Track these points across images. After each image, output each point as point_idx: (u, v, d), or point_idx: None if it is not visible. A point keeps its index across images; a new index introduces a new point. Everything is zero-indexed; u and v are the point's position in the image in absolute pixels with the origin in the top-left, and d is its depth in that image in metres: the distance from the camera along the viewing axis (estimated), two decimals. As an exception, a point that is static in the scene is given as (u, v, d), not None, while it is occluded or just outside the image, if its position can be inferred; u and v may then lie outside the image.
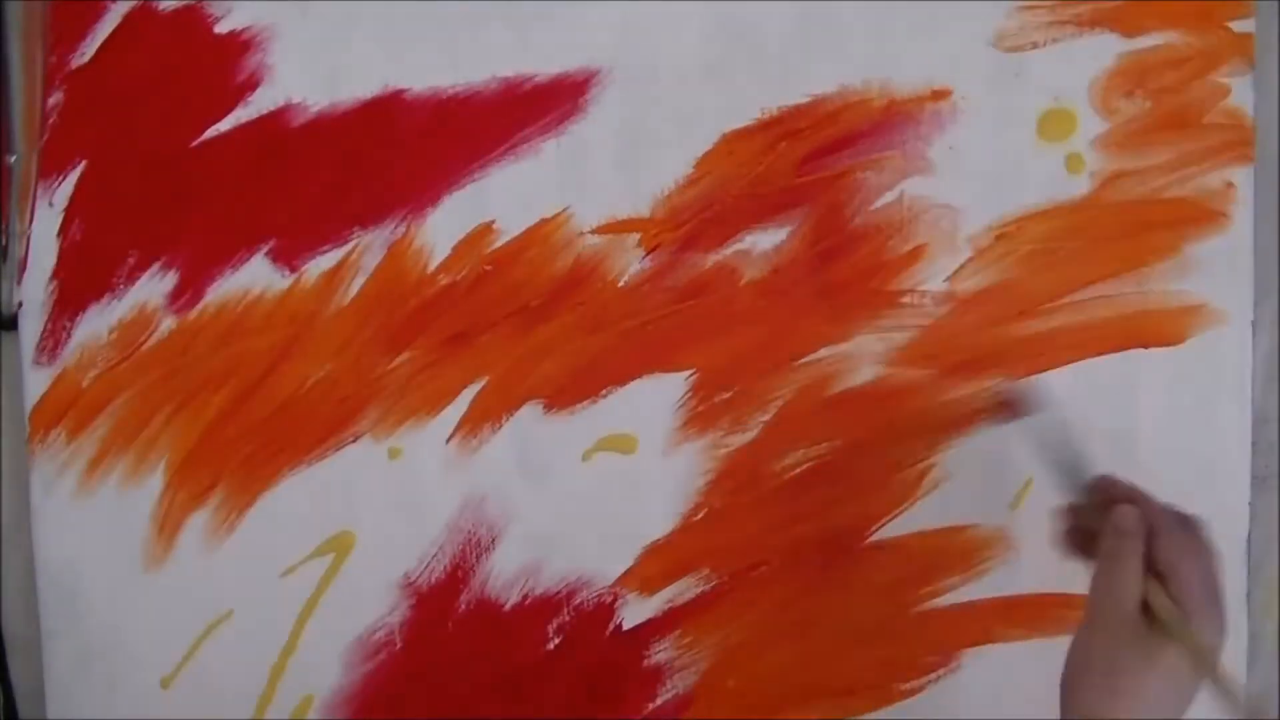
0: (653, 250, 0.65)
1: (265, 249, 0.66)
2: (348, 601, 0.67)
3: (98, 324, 0.66)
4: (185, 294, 0.66)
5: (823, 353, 0.65)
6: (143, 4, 0.65)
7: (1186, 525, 0.53)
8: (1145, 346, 0.64)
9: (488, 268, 0.65)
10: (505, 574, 0.66)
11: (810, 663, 0.66)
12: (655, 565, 0.66)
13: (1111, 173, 0.64)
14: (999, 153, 0.64)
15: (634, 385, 0.65)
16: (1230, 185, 0.64)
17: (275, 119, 0.65)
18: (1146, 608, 0.50)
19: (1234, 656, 0.65)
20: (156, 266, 0.66)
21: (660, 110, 0.64)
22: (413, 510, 0.66)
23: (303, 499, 0.66)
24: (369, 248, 0.65)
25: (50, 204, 0.66)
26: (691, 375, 0.65)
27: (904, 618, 0.66)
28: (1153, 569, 0.50)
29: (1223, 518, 0.64)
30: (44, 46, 0.65)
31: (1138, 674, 0.49)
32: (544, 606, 0.66)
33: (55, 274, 0.66)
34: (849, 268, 0.65)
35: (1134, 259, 0.64)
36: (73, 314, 0.66)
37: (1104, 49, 0.64)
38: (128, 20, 0.65)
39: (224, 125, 0.65)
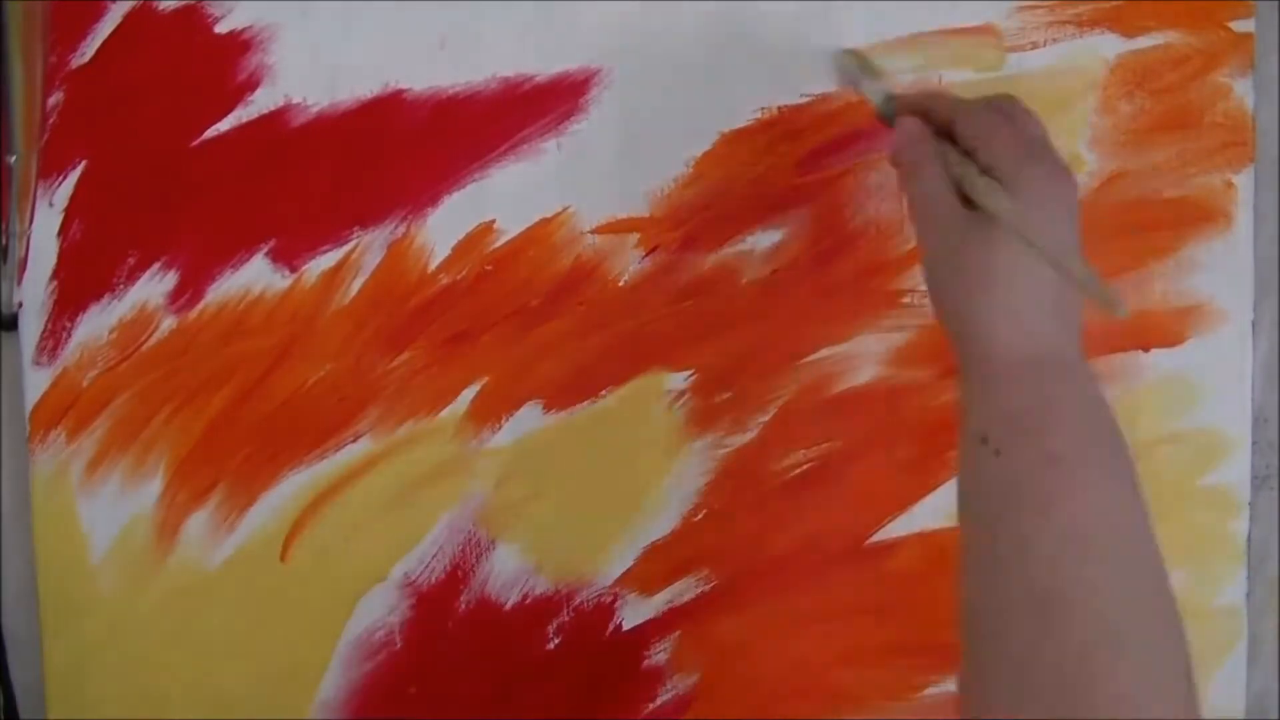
0: (653, 250, 0.65)
1: (265, 249, 0.66)
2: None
3: (98, 324, 0.66)
4: (185, 294, 0.66)
5: (823, 353, 0.65)
6: (143, 4, 0.65)
7: (989, 105, 0.51)
8: (1145, 347, 0.64)
9: (488, 268, 0.65)
10: (505, 574, 0.66)
11: (810, 663, 0.66)
12: (655, 565, 0.66)
13: (1111, 173, 0.64)
14: (999, 153, 0.64)
15: (634, 385, 0.65)
16: (1230, 185, 0.64)
17: (275, 119, 0.65)
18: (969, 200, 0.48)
19: (1234, 657, 0.65)
20: (156, 266, 0.66)
21: (660, 110, 0.64)
22: (413, 510, 0.66)
23: (303, 499, 0.66)
24: (369, 248, 0.65)
25: (50, 204, 0.66)
26: (691, 375, 0.65)
27: (905, 618, 0.66)
28: (963, 155, 0.49)
29: (1223, 518, 0.65)
30: (44, 46, 0.65)
31: (985, 263, 0.47)
32: (544, 606, 0.66)
33: (55, 274, 0.66)
34: (849, 268, 0.65)
35: (1134, 259, 0.64)
36: (73, 314, 0.66)
37: (1104, 49, 0.64)
38: (128, 20, 0.65)
39: (224, 125, 0.65)
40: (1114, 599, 0.43)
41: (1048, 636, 0.42)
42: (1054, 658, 0.42)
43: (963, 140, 0.49)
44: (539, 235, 0.65)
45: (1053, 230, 0.46)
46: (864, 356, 0.65)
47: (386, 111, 0.65)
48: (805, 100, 0.64)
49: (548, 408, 0.66)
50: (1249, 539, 0.65)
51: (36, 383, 0.66)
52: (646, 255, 0.65)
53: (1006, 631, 0.44)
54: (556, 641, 0.66)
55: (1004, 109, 0.51)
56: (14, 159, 0.66)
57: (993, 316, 0.47)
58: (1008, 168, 0.47)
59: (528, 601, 0.66)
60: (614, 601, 0.66)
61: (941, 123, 0.51)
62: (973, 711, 0.45)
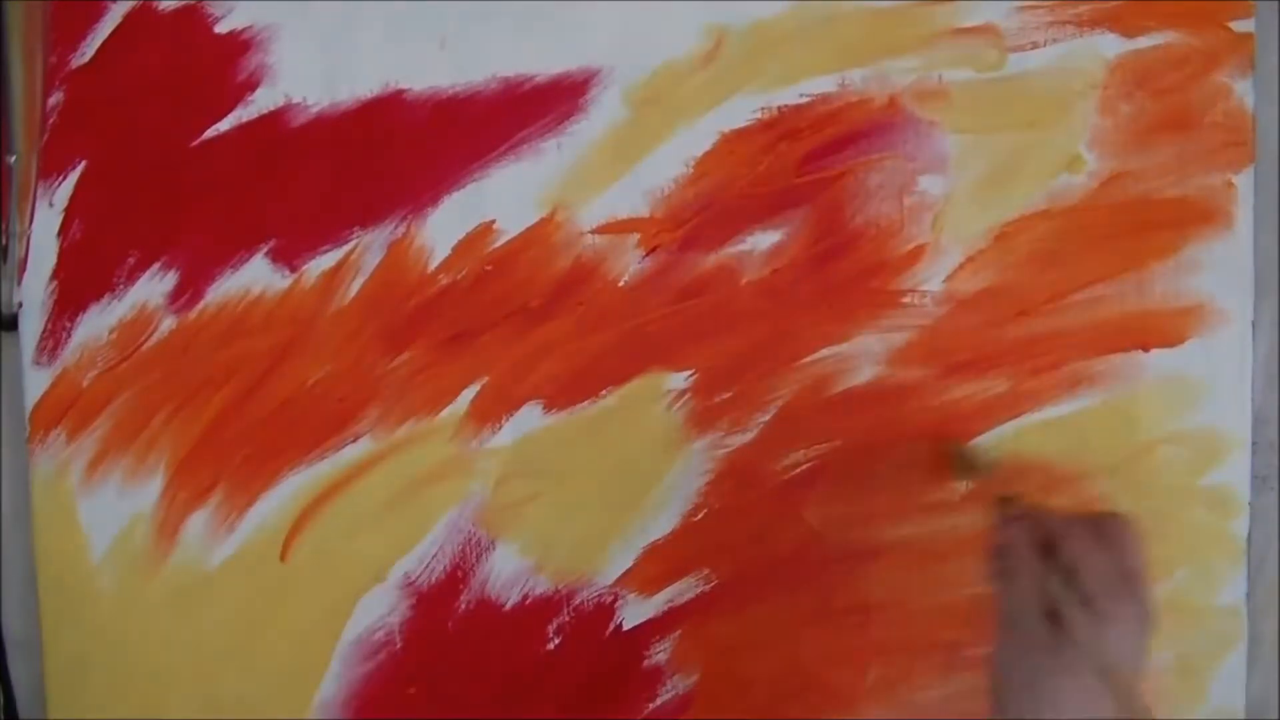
0: (653, 250, 0.65)
1: (265, 249, 0.66)
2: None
3: (98, 324, 0.66)
4: (185, 294, 0.66)
5: (823, 353, 0.65)
6: (143, 4, 0.65)
7: (1095, 525, 0.53)
8: (1145, 347, 0.64)
9: (488, 268, 0.65)
10: (505, 574, 0.66)
11: (809, 663, 0.66)
12: (655, 565, 0.66)
13: (1111, 173, 0.64)
14: (999, 153, 0.64)
15: (634, 385, 0.65)
16: (1230, 185, 0.64)
17: (275, 119, 0.65)
18: (1056, 615, 0.51)
19: (1234, 657, 0.65)
20: (156, 266, 0.66)
21: (659, 110, 0.64)
22: (413, 510, 0.66)
23: (303, 499, 0.66)
24: (369, 248, 0.65)
25: (50, 204, 0.66)
26: (691, 375, 0.65)
27: (904, 619, 0.66)
28: (1060, 574, 0.52)
29: (1223, 518, 0.65)
30: (44, 46, 0.65)
31: (1060, 683, 0.50)
32: (544, 606, 0.66)
33: (55, 274, 0.66)
34: (849, 268, 0.65)
35: (1134, 259, 0.64)
36: (73, 314, 0.66)
37: (1104, 49, 0.64)
38: (128, 20, 0.65)
39: (224, 125, 0.65)
40: None
41: None
42: None
43: (1064, 558, 0.52)
44: (539, 235, 0.65)
45: (1133, 662, 0.50)
46: (864, 356, 0.65)
47: (386, 111, 0.65)
48: (805, 100, 0.64)
49: (548, 408, 0.66)
50: (1249, 539, 0.65)
51: (36, 383, 0.66)
52: (646, 255, 0.65)
53: None
54: (556, 641, 0.66)
55: (1109, 534, 0.53)
56: (14, 159, 0.66)
57: None
58: (1103, 601, 0.51)
59: (528, 601, 0.66)
60: (614, 601, 0.66)
61: (1045, 535, 0.53)
62: None
